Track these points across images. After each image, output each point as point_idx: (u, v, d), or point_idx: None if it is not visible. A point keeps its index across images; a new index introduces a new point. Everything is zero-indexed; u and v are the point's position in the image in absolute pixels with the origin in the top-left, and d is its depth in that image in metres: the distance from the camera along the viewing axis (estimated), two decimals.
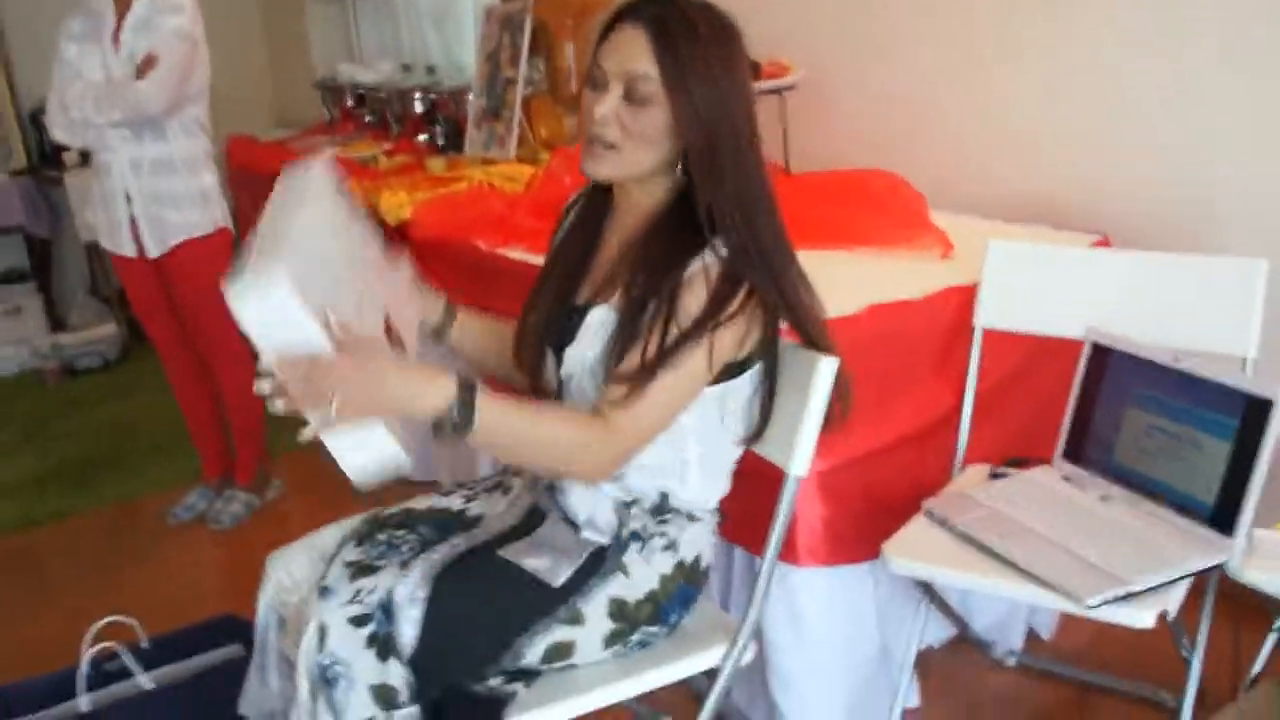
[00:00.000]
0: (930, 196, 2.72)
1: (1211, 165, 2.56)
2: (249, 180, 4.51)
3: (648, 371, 1.51)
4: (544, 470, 1.71)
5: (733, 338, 1.55)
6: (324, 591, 1.63)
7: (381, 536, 1.78)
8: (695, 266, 1.55)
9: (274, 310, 1.34)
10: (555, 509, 1.73)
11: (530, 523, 1.75)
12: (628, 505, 1.67)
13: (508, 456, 1.68)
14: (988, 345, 2.26)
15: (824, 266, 2.28)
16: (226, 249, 3.42)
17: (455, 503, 1.88)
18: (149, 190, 3.25)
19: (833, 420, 1.67)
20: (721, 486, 1.75)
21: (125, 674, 2.31)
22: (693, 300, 1.53)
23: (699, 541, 1.72)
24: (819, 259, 2.39)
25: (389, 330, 1.60)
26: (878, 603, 2.24)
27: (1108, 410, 2.07)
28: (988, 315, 2.24)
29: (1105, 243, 2.58)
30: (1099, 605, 1.72)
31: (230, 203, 3.60)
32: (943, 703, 2.39)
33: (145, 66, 3.09)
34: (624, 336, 1.55)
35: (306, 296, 1.35)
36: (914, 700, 2.33)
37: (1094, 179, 2.74)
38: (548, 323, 1.71)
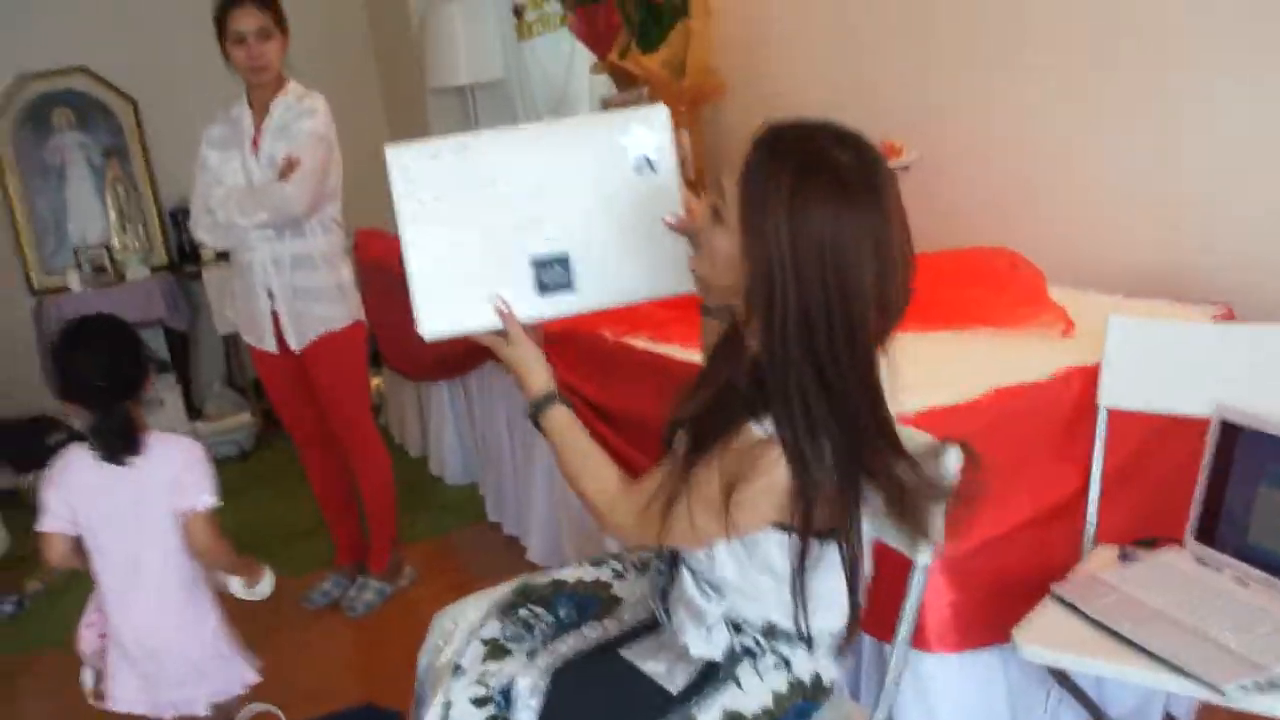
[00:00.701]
0: (1048, 271, 2.71)
1: None
2: (377, 272, 4.65)
3: (669, 475, 1.58)
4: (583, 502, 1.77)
5: (767, 500, 1.50)
6: (456, 670, 1.75)
7: (523, 613, 1.85)
8: (746, 433, 1.50)
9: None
10: (666, 618, 1.75)
11: (657, 620, 1.77)
12: (737, 627, 1.66)
13: (562, 470, 1.74)
14: (1112, 424, 2.24)
15: (943, 348, 2.30)
16: (361, 341, 3.55)
17: (605, 574, 1.95)
18: (290, 286, 3.39)
19: (964, 501, 1.61)
20: (834, 617, 1.65)
21: None
22: (705, 477, 1.53)
23: (817, 663, 1.68)
24: (937, 341, 2.44)
25: None
26: (1009, 688, 2.22)
27: (1240, 490, 2.03)
28: (1111, 395, 2.23)
29: (1228, 315, 2.54)
30: (1239, 693, 1.68)
31: (361, 292, 3.74)
32: None
33: (286, 169, 3.24)
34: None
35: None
36: None
37: (1215, 248, 2.70)
38: (670, 429, 1.74)
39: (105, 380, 2.36)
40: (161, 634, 2.45)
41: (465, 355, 3.95)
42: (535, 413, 1.71)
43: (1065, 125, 2.98)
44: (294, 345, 3.44)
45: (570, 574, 1.98)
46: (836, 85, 3.61)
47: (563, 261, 1.72)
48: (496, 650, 1.77)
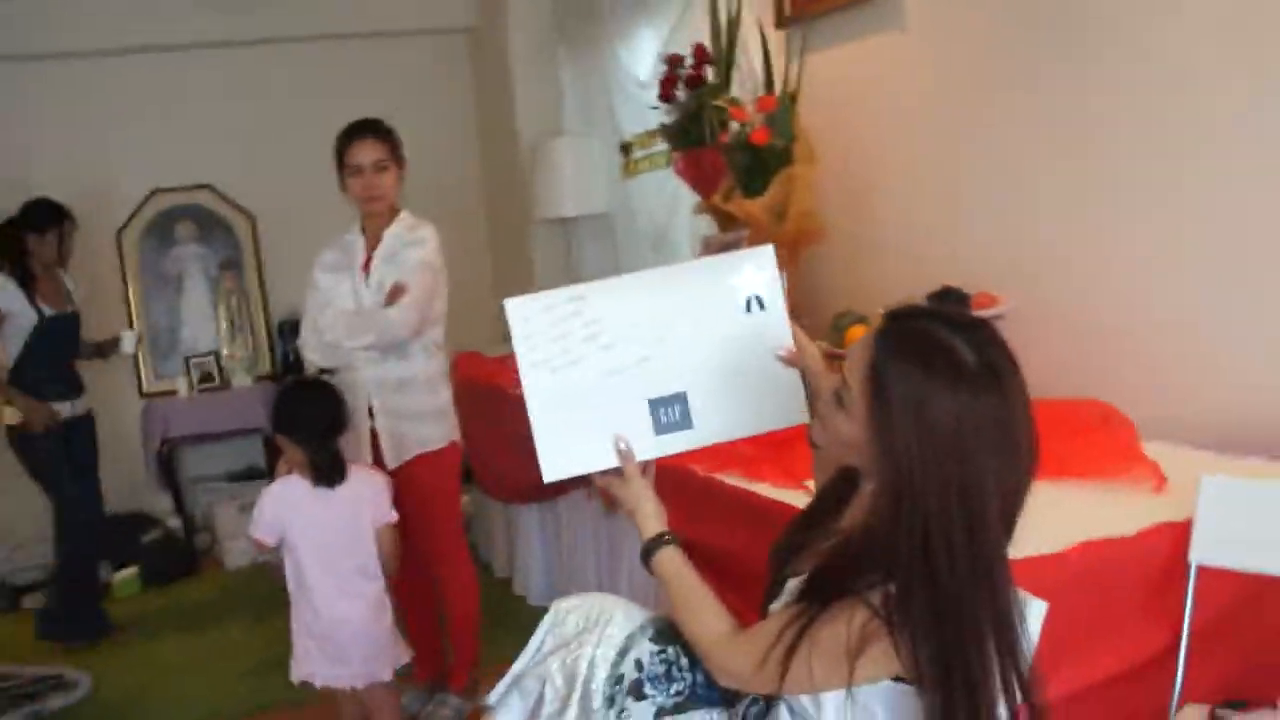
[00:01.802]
0: (1140, 425, 2.71)
1: None
2: (474, 393, 4.75)
3: (789, 624, 1.57)
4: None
5: (881, 660, 1.52)
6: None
7: (670, 652, 1.86)
8: (847, 605, 1.52)
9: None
10: None
11: None
12: None
13: (674, 610, 1.78)
14: (1202, 581, 2.22)
15: (1033, 498, 2.30)
16: (457, 462, 3.65)
17: None
18: (392, 407, 3.50)
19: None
20: None
21: None
22: (829, 629, 1.54)
23: None
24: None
25: None
26: None
27: None
28: (1202, 553, 2.21)
29: None
30: None
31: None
32: None
33: (394, 294, 3.37)
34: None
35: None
36: None
37: None
38: (773, 573, 1.79)
39: (324, 420, 3.14)
40: (353, 621, 3.14)
41: (559, 486, 3.98)
42: (649, 553, 1.77)
43: (1158, 276, 3.00)
44: (390, 464, 3.52)
45: None
46: (934, 232, 3.67)
47: (681, 401, 1.80)
48: (635, 687, 1.80)
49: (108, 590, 5.46)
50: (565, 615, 1.93)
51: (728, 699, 1.89)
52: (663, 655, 1.88)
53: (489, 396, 4.60)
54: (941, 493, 1.45)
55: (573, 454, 1.79)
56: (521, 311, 1.80)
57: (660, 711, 1.79)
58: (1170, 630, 2.22)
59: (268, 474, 6.11)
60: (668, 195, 5.03)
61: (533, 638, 1.95)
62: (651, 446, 1.82)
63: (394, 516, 3.23)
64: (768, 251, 1.89)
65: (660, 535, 1.77)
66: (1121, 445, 2.65)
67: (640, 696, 1.80)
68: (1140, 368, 3.06)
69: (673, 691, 1.85)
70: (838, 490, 1.78)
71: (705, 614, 1.73)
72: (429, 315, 3.45)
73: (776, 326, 1.85)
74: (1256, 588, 2.29)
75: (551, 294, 1.81)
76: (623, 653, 1.85)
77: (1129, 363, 3.10)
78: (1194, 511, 2.24)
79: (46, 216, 4.78)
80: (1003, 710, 1.54)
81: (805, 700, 1.66)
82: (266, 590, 5.34)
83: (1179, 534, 2.25)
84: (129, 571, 5.57)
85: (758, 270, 1.86)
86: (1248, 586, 2.29)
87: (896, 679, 1.56)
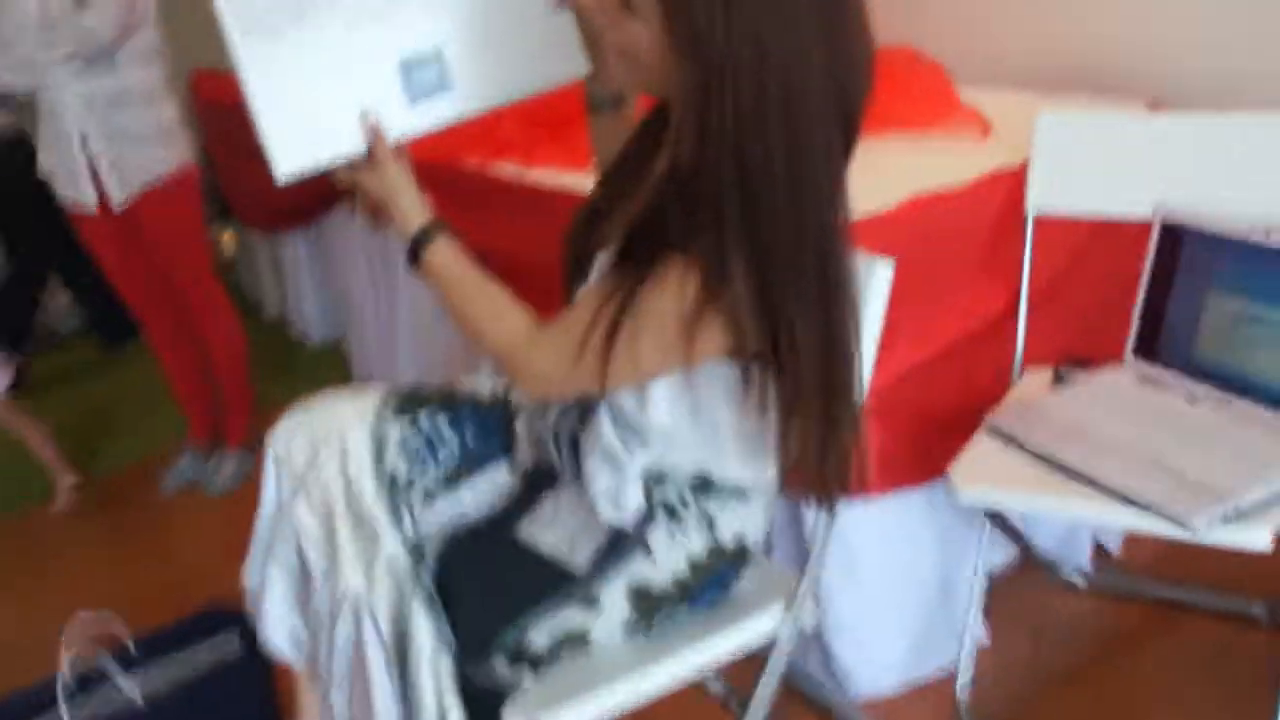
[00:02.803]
0: (954, 72, 2.45)
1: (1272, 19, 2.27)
2: (219, 113, 4.23)
3: (604, 304, 1.27)
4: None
5: (719, 331, 1.24)
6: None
7: (423, 422, 1.58)
8: (676, 265, 1.22)
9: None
10: (570, 471, 1.49)
11: (535, 490, 1.52)
12: (659, 478, 1.42)
13: (456, 316, 1.44)
14: (1040, 233, 2.00)
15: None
16: (194, 189, 3.16)
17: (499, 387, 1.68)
18: (108, 129, 2.98)
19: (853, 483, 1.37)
20: (772, 464, 1.44)
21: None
22: (656, 299, 1.23)
23: (745, 521, 1.46)
24: None
25: None
26: (938, 531, 2.02)
27: (1185, 298, 1.82)
28: (1040, 199, 1.98)
29: (1156, 107, 2.31)
30: (1208, 527, 1.48)
31: (201, 138, 3.33)
32: (1012, 634, 2.15)
33: None
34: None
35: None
36: (981, 633, 2.11)
37: (1135, 35, 2.46)
38: (573, 253, 1.45)
39: None
40: None
41: (320, 198, 3.60)
42: (415, 250, 1.40)
43: None
44: (117, 197, 3.03)
45: (463, 385, 1.69)
46: None
47: (436, 59, 1.41)
48: (393, 484, 1.50)
49: None
50: (286, 447, 1.56)
51: (505, 445, 1.61)
52: (415, 426, 1.57)
53: (235, 114, 4.07)
54: (755, 74, 1.13)
55: (310, 141, 1.38)
56: None
57: (429, 495, 1.50)
58: (1009, 288, 2.01)
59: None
60: None
61: (262, 492, 1.60)
62: (406, 120, 1.41)
63: None
64: None
65: (427, 226, 1.40)
66: (935, 92, 2.40)
67: (414, 486, 1.52)
68: (947, 10, 2.78)
69: (441, 459, 1.56)
70: (646, 139, 1.44)
71: (495, 311, 1.39)
72: (135, 16, 2.88)
73: None
74: (1098, 234, 2.10)
75: None
76: (379, 448, 1.51)
77: (934, 5, 2.82)
78: (1029, 155, 1.99)
79: None
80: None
81: (629, 399, 1.38)
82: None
83: (1012, 182, 2.03)
84: None
85: None
86: (1085, 236, 2.11)
87: (731, 357, 1.28)
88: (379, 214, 1.43)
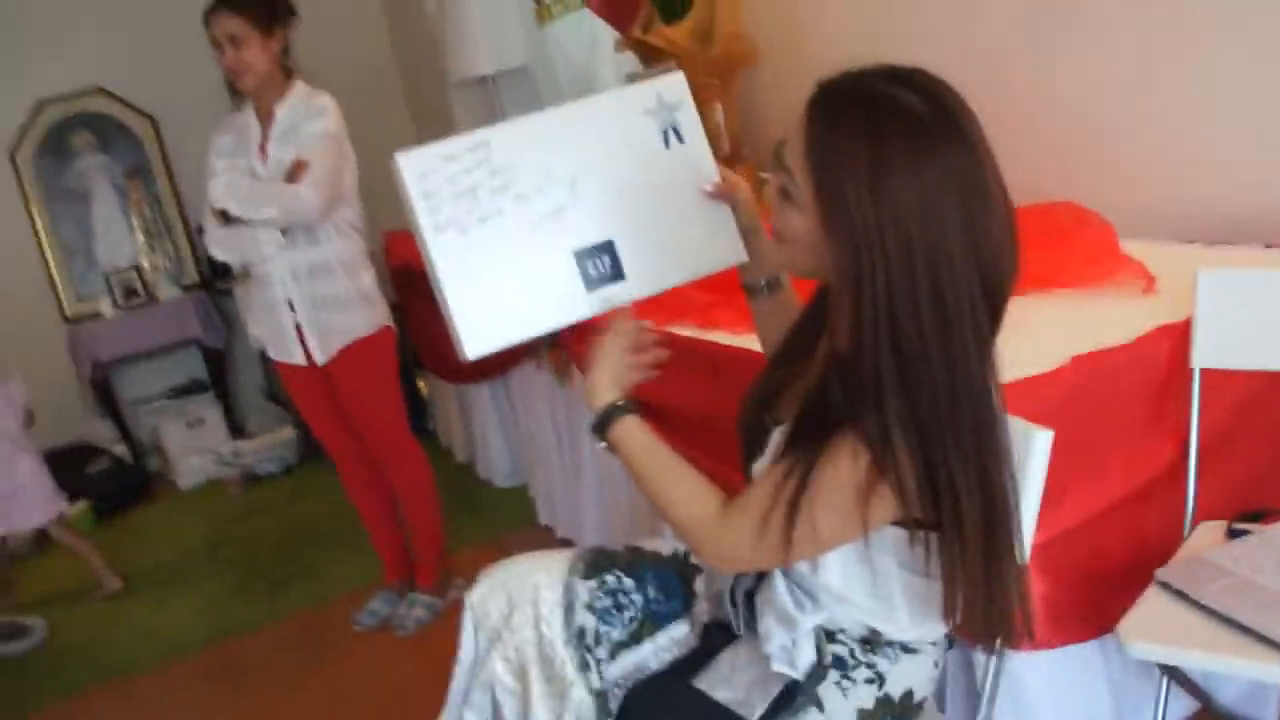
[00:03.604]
0: (1118, 225, 2.50)
1: None
2: (411, 273, 4.51)
3: (783, 481, 1.34)
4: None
5: (890, 499, 1.31)
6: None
7: (610, 580, 1.69)
8: (846, 440, 1.30)
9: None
10: (746, 627, 1.57)
11: (712, 645, 1.60)
12: (830, 635, 1.50)
13: (645, 493, 1.51)
14: (1207, 386, 2.03)
15: (1013, 313, 2.09)
16: (389, 347, 3.40)
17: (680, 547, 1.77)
18: (310, 296, 3.23)
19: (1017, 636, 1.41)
20: (938, 624, 1.49)
21: None
22: (831, 475, 1.31)
23: (914, 675, 1.53)
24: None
25: None
26: (1110, 685, 2.02)
27: None
28: (1205, 354, 2.01)
29: None
30: None
31: (391, 298, 3.58)
32: None
33: (296, 172, 3.07)
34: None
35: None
36: None
37: None
38: (749, 428, 1.56)
39: None
40: None
41: (503, 355, 3.77)
42: (601, 427, 1.49)
43: (1121, 59, 2.75)
44: (319, 357, 3.28)
45: (646, 543, 1.80)
46: (878, 39, 3.39)
47: (608, 250, 1.57)
48: (599, 635, 1.62)
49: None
50: (483, 605, 1.70)
51: (686, 602, 1.71)
52: (603, 587, 1.69)
53: (424, 278, 4.32)
54: (904, 259, 1.21)
55: (494, 326, 1.54)
56: (417, 166, 1.52)
57: (615, 649, 1.61)
58: (1176, 441, 2.04)
59: (211, 386, 5.90)
60: (587, 38, 4.71)
61: (460, 647, 1.72)
62: (585, 305, 1.57)
63: None
64: (678, 78, 1.65)
65: (612, 404, 1.50)
66: (1101, 248, 2.44)
67: (601, 641, 1.62)
68: (1115, 164, 2.83)
69: (627, 620, 1.67)
70: (812, 322, 1.54)
71: (684, 489, 1.45)
72: (338, 191, 3.15)
73: (699, 160, 1.63)
74: (1263, 388, 2.11)
75: (450, 142, 1.54)
76: (569, 608, 1.65)
77: (1100, 160, 2.87)
78: (1192, 310, 2.03)
79: None
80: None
81: (803, 565, 1.46)
82: (223, 508, 5.19)
83: (1177, 336, 2.06)
84: (80, 505, 5.33)
85: (670, 99, 1.62)
86: (1253, 387, 2.12)
87: (897, 524, 1.35)
88: (567, 375, 1.58)
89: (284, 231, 3.16)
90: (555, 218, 1.55)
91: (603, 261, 1.57)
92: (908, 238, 1.21)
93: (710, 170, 1.62)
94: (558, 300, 1.55)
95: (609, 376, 1.51)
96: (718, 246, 1.62)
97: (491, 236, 1.53)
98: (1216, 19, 2.52)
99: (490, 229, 1.53)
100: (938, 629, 1.51)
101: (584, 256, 1.56)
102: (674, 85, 1.64)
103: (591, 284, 1.57)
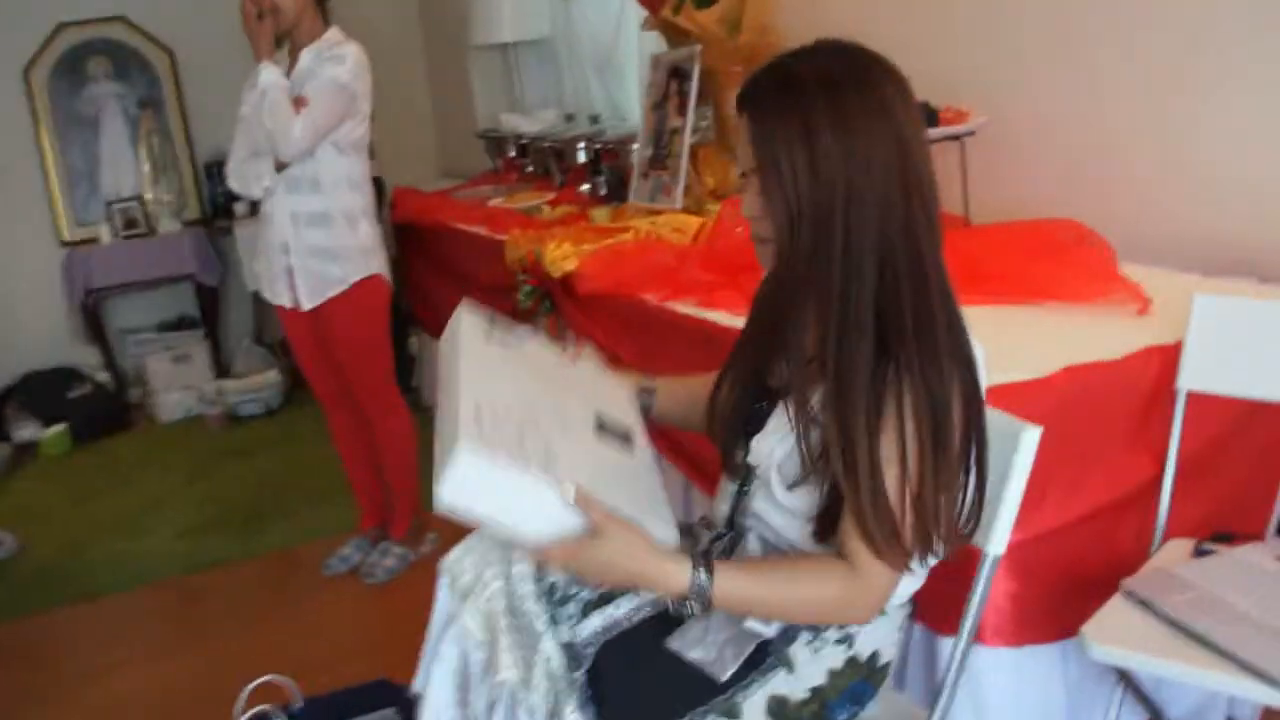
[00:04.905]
0: (1119, 248, 2.55)
1: None
2: (413, 230, 4.54)
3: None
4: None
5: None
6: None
7: None
8: (889, 406, 1.36)
9: (495, 486, 1.38)
10: None
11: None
12: None
13: (774, 617, 1.52)
14: (1192, 409, 2.08)
15: (1011, 322, 2.13)
16: (381, 299, 3.43)
17: None
18: (306, 243, 3.27)
19: None
20: (914, 581, 1.57)
21: None
22: (891, 445, 1.36)
23: (881, 637, 1.58)
24: (1004, 314, 2.29)
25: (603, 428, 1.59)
26: (1066, 686, 2.07)
27: None
28: (1192, 378, 2.07)
29: None
30: None
31: (393, 252, 3.60)
32: None
33: (294, 108, 3.11)
34: (820, 469, 1.42)
35: (521, 457, 1.39)
36: None
37: None
38: (737, 403, 1.59)
39: None
40: None
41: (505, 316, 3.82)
42: (705, 607, 1.44)
43: (1138, 95, 2.80)
44: (305, 304, 3.33)
45: None
46: (901, 45, 3.41)
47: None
48: (551, 593, 1.62)
49: (37, 448, 5.26)
50: (459, 564, 1.69)
51: None
52: None
53: (428, 233, 4.40)
54: (851, 208, 1.34)
55: (482, 496, 1.39)
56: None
57: (589, 606, 1.60)
58: (1156, 459, 2.09)
59: (201, 323, 5.90)
60: (613, 13, 4.74)
61: (434, 608, 1.72)
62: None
63: None
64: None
65: (692, 585, 1.41)
66: (1100, 266, 2.49)
67: (572, 599, 1.62)
68: (1118, 187, 2.88)
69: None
70: (769, 310, 1.58)
71: (804, 585, 1.43)
72: (331, 138, 3.18)
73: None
74: (1245, 416, 2.16)
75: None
76: (540, 564, 1.63)
77: (1106, 182, 2.92)
78: (1184, 334, 2.08)
79: None
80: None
81: (773, 525, 1.54)
82: (203, 444, 5.21)
83: (1167, 358, 2.11)
84: (57, 428, 5.35)
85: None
86: (1237, 414, 2.17)
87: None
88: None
89: (279, 169, 3.20)
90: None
91: None
92: (849, 185, 1.32)
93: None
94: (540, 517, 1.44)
95: (655, 561, 1.43)
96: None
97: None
98: (1232, 50, 2.57)
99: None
100: (911, 586, 1.56)
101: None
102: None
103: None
